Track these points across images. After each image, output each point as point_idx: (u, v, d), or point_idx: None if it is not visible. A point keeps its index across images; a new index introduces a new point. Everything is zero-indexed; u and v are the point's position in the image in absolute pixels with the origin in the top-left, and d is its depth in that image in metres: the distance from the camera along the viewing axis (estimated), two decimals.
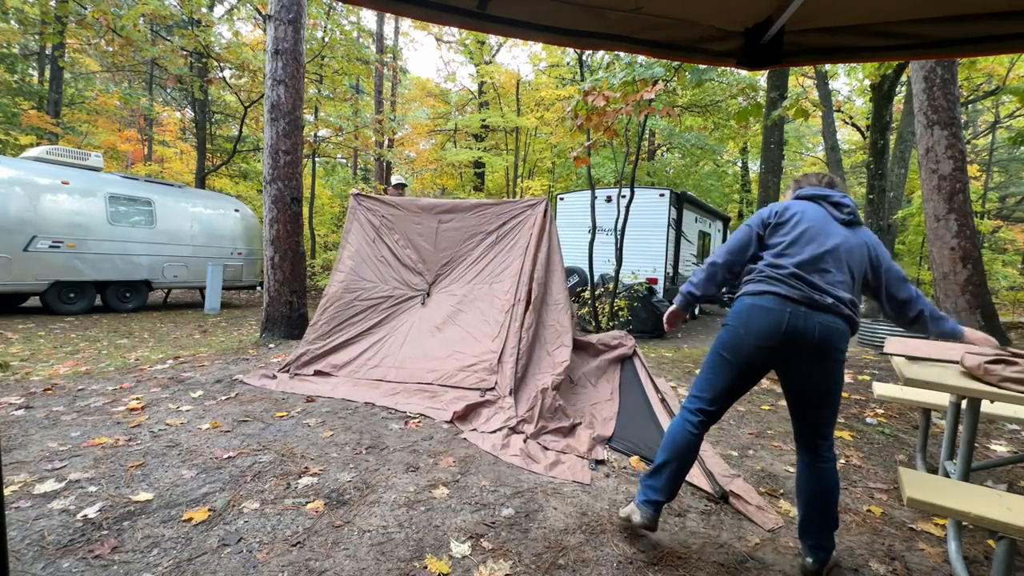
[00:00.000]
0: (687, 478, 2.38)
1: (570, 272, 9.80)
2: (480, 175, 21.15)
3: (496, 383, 3.52)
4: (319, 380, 3.86)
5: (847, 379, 4.67)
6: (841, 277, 1.77)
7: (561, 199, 11.24)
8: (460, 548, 1.88)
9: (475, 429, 3.06)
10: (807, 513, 1.82)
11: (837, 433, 3.29)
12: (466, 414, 3.22)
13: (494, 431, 3.01)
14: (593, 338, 4.31)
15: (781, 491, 2.51)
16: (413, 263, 4.47)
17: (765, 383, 4.50)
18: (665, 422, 3.21)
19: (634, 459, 2.78)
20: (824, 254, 1.79)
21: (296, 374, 3.97)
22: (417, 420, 3.23)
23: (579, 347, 4.10)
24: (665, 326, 2.17)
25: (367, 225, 4.59)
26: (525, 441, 2.88)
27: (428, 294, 4.34)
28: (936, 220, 6.42)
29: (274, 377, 3.95)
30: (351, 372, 3.92)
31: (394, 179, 7.18)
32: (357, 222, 4.61)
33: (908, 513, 2.33)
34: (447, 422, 3.19)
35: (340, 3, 5.98)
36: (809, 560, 1.80)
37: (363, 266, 4.49)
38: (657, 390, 3.71)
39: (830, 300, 1.72)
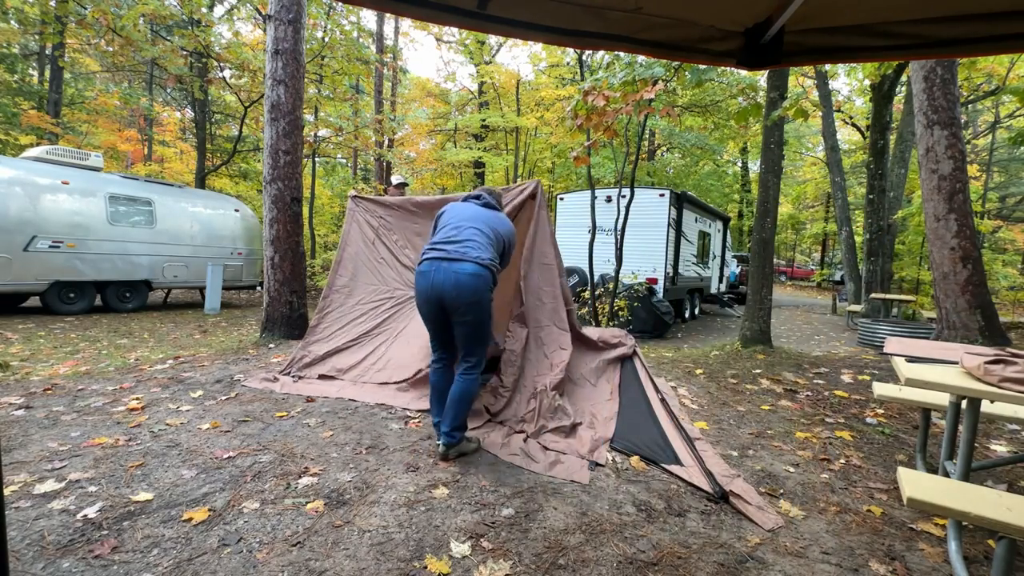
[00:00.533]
0: (687, 477, 2.53)
1: (570, 272, 9.80)
2: (480, 175, 21.16)
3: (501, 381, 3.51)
4: (324, 383, 3.86)
5: (847, 379, 4.67)
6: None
7: (561, 199, 11.24)
8: (460, 548, 1.88)
9: (475, 428, 3.06)
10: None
11: (837, 433, 3.31)
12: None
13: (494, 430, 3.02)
14: (594, 333, 4.28)
15: (781, 491, 2.51)
16: (413, 263, 4.46)
17: (764, 383, 4.50)
18: (665, 422, 3.21)
19: (635, 459, 2.78)
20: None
21: (299, 377, 3.95)
22: (417, 420, 3.23)
23: (579, 341, 4.05)
24: None
25: (365, 226, 4.58)
26: (525, 440, 2.88)
27: None
28: (936, 220, 6.42)
29: (275, 380, 3.93)
30: (356, 376, 3.90)
31: (395, 179, 7.13)
32: (355, 224, 4.60)
33: (908, 513, 2.33)
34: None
35: (340, 3, 5.98)
36: (438, 443, 2.63)
37: (363, 268, 4.48)
38: (657, 390, 3.70)
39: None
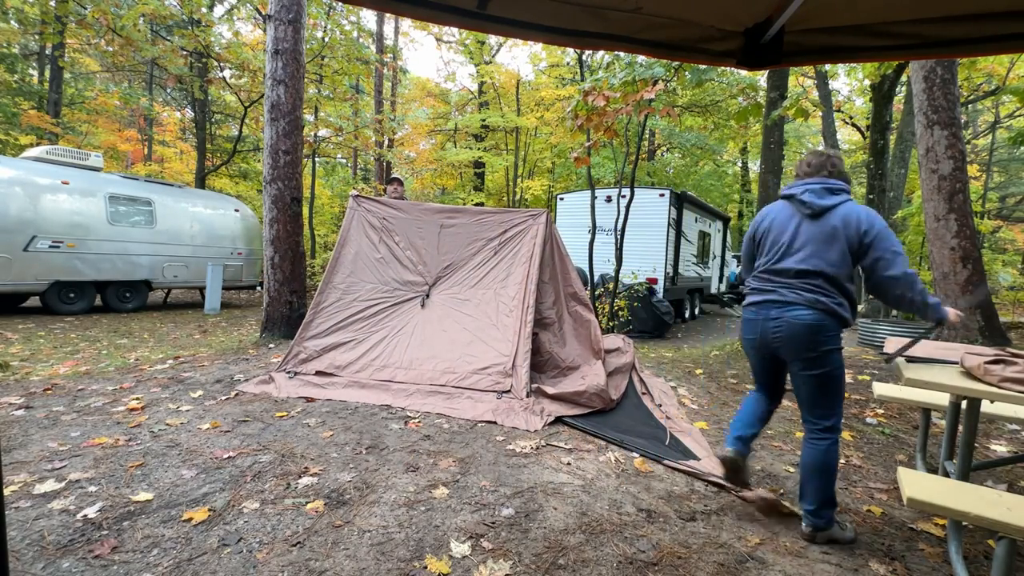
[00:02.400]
0: (706, 469, 2.64)
1: None
2: (480, 175, 21.16)
3: (512, 386, 3.56)
4: (322, 380, 3.84)
5: (847, 379, 4.67)
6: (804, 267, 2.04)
7: (561, 199, 11.24)
8: (460, 548, 1.88)
9: (516, 428, 3.17)
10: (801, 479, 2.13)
11: None
12: (500, 416, 3.34)
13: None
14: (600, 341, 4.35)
15: (781, 491, 2.51)
16: (413, 264, 4.46)
17: None
18: (661, 422, 3.36)
19: (638, 460, 2.78)
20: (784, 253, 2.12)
21: (295, 373, 3.93)
22: (417, 420, 3.23)
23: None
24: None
25: (367, 226, 4.59)
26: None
27: (428, 295, 4.33)
28: (936, 220, 6.42)
29: (270, 380, 3.87)
30: (356, 372, 3.89)
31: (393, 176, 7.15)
32: (357, 223, 4.61)
33: (908, 513, 2.33)
34: (484, 421, 3.26)
35: (340, 3, 5.98)
36: (804, 525, 2.08)
37: (362, 266, 4.48)
38: (648, 393, 3.82)
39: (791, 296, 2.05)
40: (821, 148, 2.46)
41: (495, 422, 3.24)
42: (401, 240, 4.50)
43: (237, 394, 3.65)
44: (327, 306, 4.31)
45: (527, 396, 3.46)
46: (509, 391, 3.54)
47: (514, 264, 4.20)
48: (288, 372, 3.93)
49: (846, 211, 2.00)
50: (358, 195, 4.68)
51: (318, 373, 3.91)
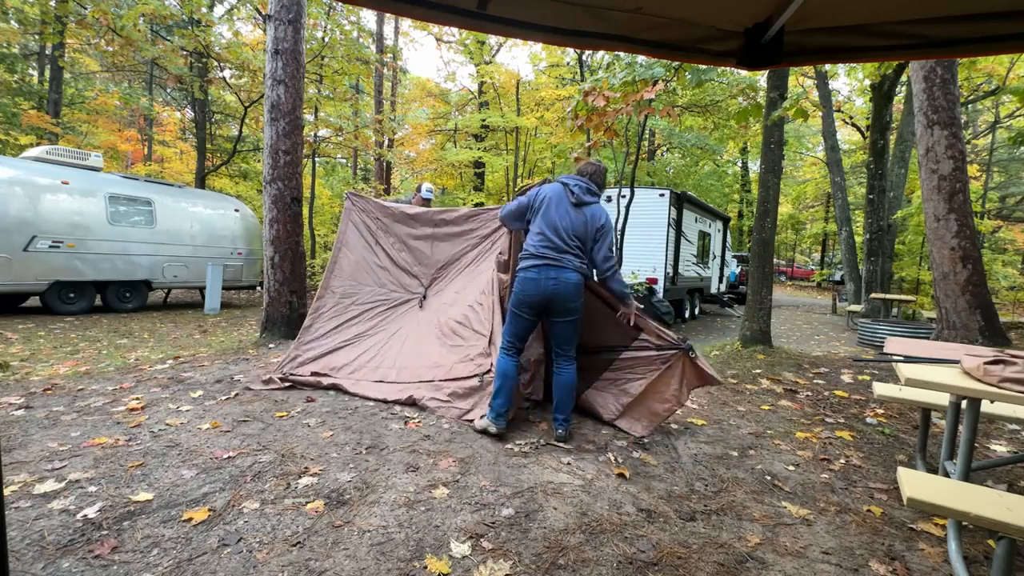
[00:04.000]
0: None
1: None
2: (480, 175, 21.17)
3: (491, 365, 3.45)
4: (316, 380, 3.84)
5: (847, 379, 4.68)
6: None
7: None
8: (460, 548, 1.88)
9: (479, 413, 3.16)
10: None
11: (837, 433, 3.31)
12: (471, 406, 3.30)
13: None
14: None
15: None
16: (408, 266, 4.44)
17: (764, 383, 4.50)
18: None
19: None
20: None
21: (292, 375, 3.93)
22: (417, 420, 3.23)
23: None
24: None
25: (362, 227, 4.55)
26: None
27: (425, 296, 4.33)
28: (936, 220, 6.42)
29: (269, 381, 3.89)
30: (350, 373, 3.90)
31: (424, 187, 6.26)
32: (351, 223, 4.56)
33: (908, 513, 2.33)
34: (461, 419, 3.25)
35: (340, 3, 5.97)
36: (558, 431, 3.01)
37: (360, 269, 4.45)
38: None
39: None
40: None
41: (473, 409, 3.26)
42: (396, 241, 4.48)
43: (237, 394, 3.65)
44: (324, 311, 4.29)
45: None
46: (489, 371, 3.43)
47: (493, 251, 4.16)
48: (286, 374, 3.93)
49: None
50: (354, 194, 4.65)
51: (314, 374, 3.91)
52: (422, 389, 3.56)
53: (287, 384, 3.87)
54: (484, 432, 2.98)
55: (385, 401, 3.54)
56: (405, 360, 3.88)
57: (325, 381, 3.77)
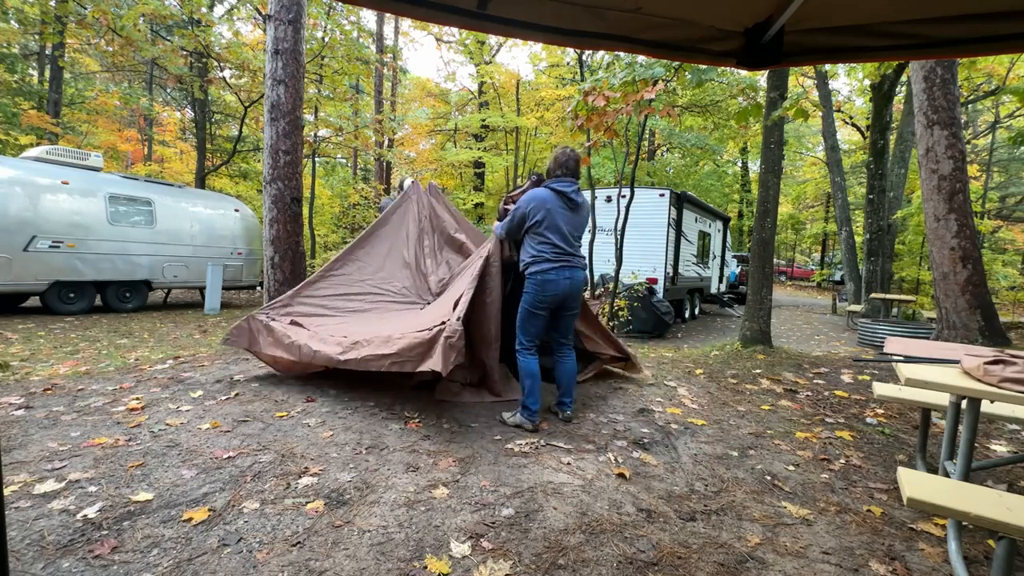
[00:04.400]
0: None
1: None
2: (480, 175, 21.18)
3: (448, 318, 3.18)
4: (288, 328, 3.75)
5: (847, 379, 4.68)
6: None
7: None
8: (460, 548, 1.88)
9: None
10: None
11: (837, 433, 3.32)
12: (422, 356, 3.01)
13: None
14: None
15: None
16: (427, 273, 4.42)
17: (764, 383, 4.50)
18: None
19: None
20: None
21: (273, 319, 3.86)
22: (417, 420, 3.23)
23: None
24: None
25: (411, 218, 4.46)
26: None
27: (422, 309, 4.33)
28: (936, 220, 6.42)
29: (248, 322, 3.83)
30: (319, 327, 3.78)
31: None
32: (408, 210, 4.47)
33: (908, 513, 2.33)
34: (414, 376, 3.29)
35: (340, 3, 5.97)
36: (567, 412, 3.31)
37: (388, 255, 4.38)
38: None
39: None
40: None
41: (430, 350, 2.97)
42: (430, 244, 4.46)
43: (238, 394, 3.65)
44: (336, 274, 4.22)
45: (457, 320, 3.09)
46: (445, 322, 3.12)
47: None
48: (267, 314, 3.89)
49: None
50: (431, 185, 4.57)
51: (292, 323, 3.84)
52: (373, 345, 3.27)
53: (270, 320, 3.80)
54: (518, 427, 3.14)
55: (383, 404, 3.51)
56: (377, 330, 3.66)
57: (290, 336, 3.61)
